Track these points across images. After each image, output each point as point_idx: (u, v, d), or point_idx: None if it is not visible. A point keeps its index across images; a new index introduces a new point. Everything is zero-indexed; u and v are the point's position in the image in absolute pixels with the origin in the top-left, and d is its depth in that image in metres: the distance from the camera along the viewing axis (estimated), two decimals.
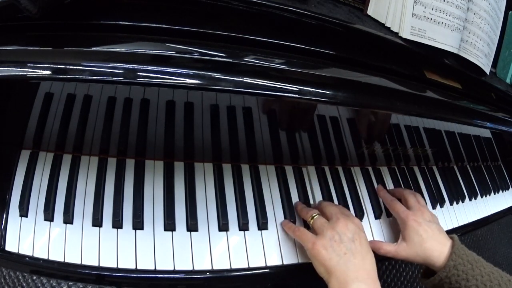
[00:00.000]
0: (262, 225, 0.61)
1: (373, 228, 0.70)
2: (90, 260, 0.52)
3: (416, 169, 0.85)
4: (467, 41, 0.63)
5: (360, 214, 0.70)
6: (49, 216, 0.53)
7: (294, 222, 0.63)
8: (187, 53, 0.45)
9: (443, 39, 0.59)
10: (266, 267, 0.59)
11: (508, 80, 0.76)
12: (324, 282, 0.55)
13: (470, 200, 0.91)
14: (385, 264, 1.37)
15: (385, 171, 0.79)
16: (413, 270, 1.31)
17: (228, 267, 0.57)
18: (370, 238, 0.68)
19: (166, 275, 0.54)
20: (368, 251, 0.56)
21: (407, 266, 1.31)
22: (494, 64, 0.74)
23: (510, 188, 1.09)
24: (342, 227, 0.56)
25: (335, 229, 0.56)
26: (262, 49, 0.49)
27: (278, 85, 0.46)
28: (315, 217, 0.60)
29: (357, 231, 0.57)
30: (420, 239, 0.62)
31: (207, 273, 0.55)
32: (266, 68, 0.47)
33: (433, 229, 0.63)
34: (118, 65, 0.41)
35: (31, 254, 0.51)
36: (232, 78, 0.44)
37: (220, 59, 0.45)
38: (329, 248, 0.54)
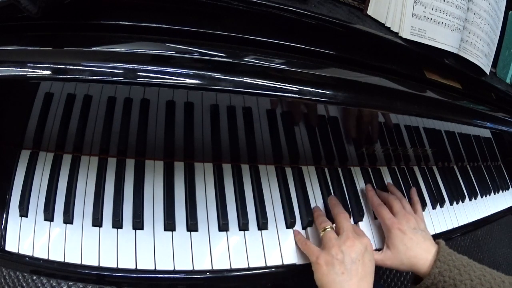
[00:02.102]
0: (262, 225, 0.61)
1: (373, 228, 0.70)
2: (90, 260, 0.52)
3: (416, 169, 0.85)
4: (467, 41, 0.63)
5: (360, 214, 0.70)
6: (49, 216, 0.53)
7: (294, 222, 0.63)
8: (187, 53, 0.45)
9: (443, 39, 0.59)
10: (266, 267, 0.59)
11: (508, 80, 0.76)
12: None
13: (470, 200, 0.91)
14: None
15: (385, 171, 0.80)
16: None
17: (228, 267, 0.57)
18: (370, 238, 0.68)
19: (166, 275, 0.54)
20: (367, 273, 0.56)
21: None
22: (494, 64, 0.74)
23: (510, 188, 1.09)
24: (348, 247, 0.56)
25: (340, 248, 0.56)
26: (262, 49, 0.49)
27: (278, 85, 0.46)
28: (327, 230, 0.60)
29: (362, 252, 0.57)
30: (404, 248, 0.62)
31: (207, 273, 0.56)
32: (266, 68, 0.47)
33: (418, 236, 0.63)
34: (118, 65, 0.41)
35: (31, 254, 0.51)
36: (232, 78, 0.44)
37: (220, 59, 0.45)
38: (329, 265, 0.55)
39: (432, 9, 0.57)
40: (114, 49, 0.42)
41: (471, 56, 0.64)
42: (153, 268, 0.53)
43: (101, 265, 0.52)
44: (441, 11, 0.58)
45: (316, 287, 0.57)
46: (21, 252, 0.51)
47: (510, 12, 0.74)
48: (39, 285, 1.04)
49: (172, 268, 0.54)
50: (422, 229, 0.65)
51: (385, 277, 1.35)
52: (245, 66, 0.46)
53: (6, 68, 0.40)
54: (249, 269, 0.58)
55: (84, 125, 0.55)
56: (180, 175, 0.62)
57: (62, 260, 0.51)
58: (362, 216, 0.70)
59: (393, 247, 0.63)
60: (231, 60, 0.46)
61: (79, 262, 0.51)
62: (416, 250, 0.61)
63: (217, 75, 0.44)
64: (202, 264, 0.56)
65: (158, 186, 0.60)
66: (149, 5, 0.47)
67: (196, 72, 0.43)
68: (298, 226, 0.64)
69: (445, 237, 0.68)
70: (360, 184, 0.74)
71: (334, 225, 0.63)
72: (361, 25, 0.55)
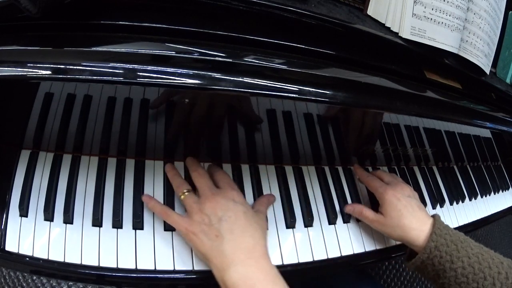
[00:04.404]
0: None
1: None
2: (90, 260, 0.52)
3: (416, 169, 0.85)
4: (467, 41, 0.63)
5: None
6: (49, 216, 0.53)
7: (294, 222, 0.63)
8: (187, 53, 0.45)
9: (443, 39, 0.59)
10: None
11: (508, 80, 0.76)
12: (325, 282, 0.55)
13: (470, 200, 0.92)
14: (385, 264, 1.37)
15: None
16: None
17: None
18: (371, 237, 0.68)
19: (166, 275, 0.54)
20: (248, 226, 0.50)
21: None
22: (494, 64, 0.74)
23: (510, 188, 1.09)
24: (210, 207, 0.51)
25: (203, 211, 0.51)
26: (262, 49, 0.49)
27: (278, 85, 0.46)
28: (185, 194, 0.54)
29: (229, 206, 0.51)
30: (398, 214, 0.59)
31: (207, 273, 0.55)
32: (266, 68, 0.47)
33: (413, 205, 0.60)
34: (118, 65, 0.41)
35: (31, 254, 0.51)
36: (232, 78, 0.44)
37: (220, 59, 0.45)
38: (199, 233, 0.49)
39: (432, 9, 0.57)
40: (114, 49, 0.42)
41: (471, 56, 0.64)
42: (153, 268, 0.53)
43: (101, 265, 0.52)
44: (441, 11, 0.58)
45: (317, 286, 0.57)
46: (21, 252, 0.51)
47: (510, 12, 0.74)
48: (39, 285, 1.04)
49: (172, 268, 0.54)
50: (416, 199, 0.63)
51: (385, 277, 1.35)
52: (245, 66, 0.46)
53: (6, 68, 0.40)
54: None
55: (84, 125, 0.55)
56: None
57: (62, 260, 0.51)
58: None
59: (386, 213, 0.60)
60: (231, 60, 0.46)
61: (79, 262, 0.51)
62: (410, 218, 0.59)
63: (217, 75, 0.44)
64: (202, 264, 0.55)
65: (158, 186, 0.60)
66: (149, 5, 0.47)
67: (196, 72, 0.43)
68: (298, 226, 0.64)
69: None
70: (360, 184, 0.74)
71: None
72: (361, 25, 0.55)
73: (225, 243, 0.48)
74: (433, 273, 0.57)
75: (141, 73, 0.41)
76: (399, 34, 0.57)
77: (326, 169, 0.73)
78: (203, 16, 0.48)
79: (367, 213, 0.64)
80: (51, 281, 1.05)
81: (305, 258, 0.61)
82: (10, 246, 0.51)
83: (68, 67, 0.40)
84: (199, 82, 0.43)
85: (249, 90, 0.45)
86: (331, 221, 0.67)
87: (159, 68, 0.42)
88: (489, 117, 0.70)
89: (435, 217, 0.60)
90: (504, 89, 0.74)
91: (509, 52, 0.75)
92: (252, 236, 0.50)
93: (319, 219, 0.66)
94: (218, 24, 0.48)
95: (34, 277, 1.04)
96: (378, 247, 0.68)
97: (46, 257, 0.51)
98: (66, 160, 0.58)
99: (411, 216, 0.59)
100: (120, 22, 0.45)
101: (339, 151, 0.71)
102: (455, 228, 0.81)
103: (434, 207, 0.82)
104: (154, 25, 0.46)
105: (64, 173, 0.57)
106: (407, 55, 0.60)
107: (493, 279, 0.53)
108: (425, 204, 0.80)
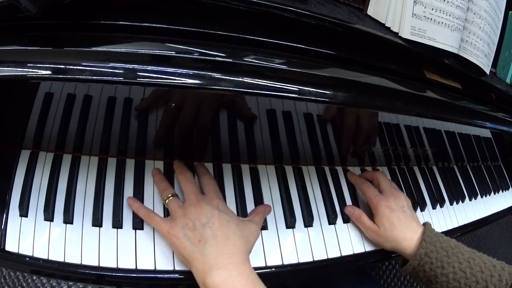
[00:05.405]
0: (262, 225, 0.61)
1: None
2: (90, 260, 0.52)
3: (416, 169, 0.85)
4: (467, 41, 0.63)
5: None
6: (49, 216, 0.53)
7: (294, 222, 0.63)
8: (187, 53, 0.45)
9: (443, 39, 0.59)
10: (266, 267, 0.59)
11: (508, 80, 0.76)
12: (325, 282, 0.55)
13: (470, 200, 0.92)
14: (385, 264, 1.37)
15: (385, 171, 0.80)
16: None
17: None
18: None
19: (166, 275, 0.54)
20: (232, 234, 0.51)
21: None
22: (494, 64, 0.74)
23: (510, 188, 1.09)
24: (195, 213, 0.52)
25: (187, 216, 0.52)
26: (262, 49, 0.49)
27: (278, 85, 0.46)
28: (170, 199, 0.55)
29: (214, 214, 0.52)
30: (391, 225, 0.60)
31: None
32: (266, 68, 0.47)
33: (407, 216, 0.61)
34: (118, 65, 0.41)
35: (31, 254, 0.51)
36: (232, 78, 0.44)
37: (220, 59, 0.45)
38: (182, 237, 0.50)
39: (432, 9, 0.57)
40: (114, 49, 0.42)
41: (471, 56, 0.64)
42: (153, 268, 0.53)
43: (101, 265, 0.52)
44: (441, 11, 0.58)
45: (316, 287, 0.57)
46: (21, 252, 0.51)
47: (510, 12, 0.74)
48: (39, 285, 1.04)
49: (172, 268, 0.54)
50: (410, 208, 0.64)
51: (385, 277, 1.35)
52: (245, 66, 0.46)
53: (6, 68, 0.40)
54: None
55: (84, 125, 0.55)
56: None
57: (62, 260, 0.51)
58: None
59: (380, 224, 0.61)
60: (231, 60, 0.46)
61: (79, 262, 0.51)
62: (402, 229, 0.60)
63: (217, 75, 0.44)
64: None
65: None
66: (149, 5, 0.47)
67: (196, 72, 0.43)
68: (298, 226, 0.64)
69: None
70: None
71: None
72: (361, 25, 0.55)
73: (208, 247, 0.49)
74: (425, 279, 0.58)
75: (141, 73, 0.41)
76: (399, 34, 0.57)
77: (326, 169, 0.73)
78: (203, 16, 0.48)
79: (365, 219, 0.65)
80: (51, 281, 1.05)
81: (305, 258, 0.61)
82: (10, 246, 0.51)
83: (68, 67, 0.40)
84: (199, 82, 0.43)
85: (249, 90, 0.45)
86: (331, 221, 0.67)
87: (159, 68, 0.42)
88: (489, 117, 0.70)
89: (425, 225, 0.61)
90: (504, 89, 0.74)
91: (509, 52, 0.75)
92: (234, 244, 0.50)
93: (319, 219, 0.66)
94: (218, 24, 0.48)
95: (34, 277, 1.04)
96: (378, 247, 0.68)
97: (46, 257, 0.51)
98: (66, 160, 0.58)
99: (404, 228, 0.60)
100: (120, 22, 0.45)
101: (339, 151, 0.71)
102: (455, 228, 0.82)
103: (434, 207, 0.82)
104: (154, 25, 0.46)
105: (64, 173, 0.57)
106: (407, 55, 0.60)
107: (485, 282, 0.54)
108: (425, 204, 0.80)
